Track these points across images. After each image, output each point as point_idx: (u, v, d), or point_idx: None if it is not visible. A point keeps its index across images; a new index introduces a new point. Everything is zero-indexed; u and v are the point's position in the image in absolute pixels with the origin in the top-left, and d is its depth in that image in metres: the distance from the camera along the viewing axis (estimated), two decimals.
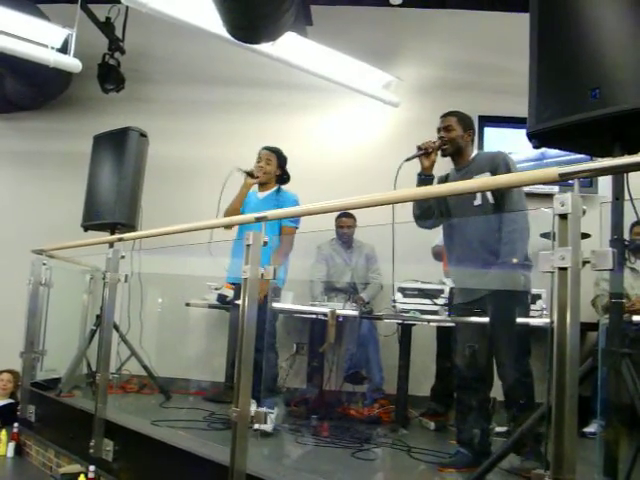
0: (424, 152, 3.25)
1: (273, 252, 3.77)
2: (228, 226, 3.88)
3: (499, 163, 3.13)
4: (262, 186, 4.28)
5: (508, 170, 3.08)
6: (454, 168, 3.37)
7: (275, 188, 4.26)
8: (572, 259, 1.59)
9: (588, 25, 2.08)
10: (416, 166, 3.28)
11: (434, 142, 3.27)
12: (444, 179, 3.39)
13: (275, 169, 4.26)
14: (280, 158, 4.30)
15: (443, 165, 3.42)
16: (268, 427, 3.40)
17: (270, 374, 3.92)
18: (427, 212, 3.33)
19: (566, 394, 1.57)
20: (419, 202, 3.30)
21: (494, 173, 3.07)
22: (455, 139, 3.26)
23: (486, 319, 3.16)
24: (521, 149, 5.15)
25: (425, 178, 3.26)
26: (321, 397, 4.67)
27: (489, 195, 3.10)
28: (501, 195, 3.09)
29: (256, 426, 3.08)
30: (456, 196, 3.22)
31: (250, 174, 4.16)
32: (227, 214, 4.14)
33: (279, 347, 5.09)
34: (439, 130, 3.32)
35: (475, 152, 3.35)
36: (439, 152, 3.29)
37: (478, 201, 3.15)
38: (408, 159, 3.22)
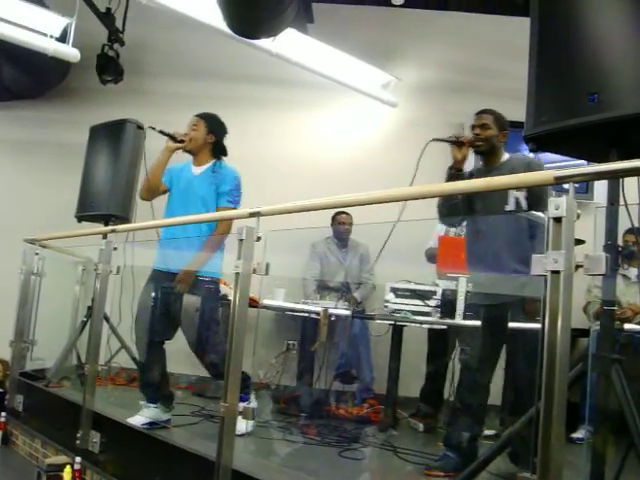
0: (456, 140, 3.13)
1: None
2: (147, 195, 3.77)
3: (535, 170, 3.04)
4: (196, 159, 3.76)
5: None
6: (482, 167, 3.26)
7: (211, 163, 3.73)
8: (565, 263, 1.58)
9: (588, 30, 2.07)
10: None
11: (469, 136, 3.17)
12: (468, 177, 3.19)
13: (203, 136, 3.70)
14: (211, 124, 3.74)
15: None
16: None
17: None
18: (453, 210, 3.21)
19: (555, 399, 1.57)
20: (445, 199, 3.16)
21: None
22: (490, 138, 3.15)
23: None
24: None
25: (456, 172, 3.12)
26: (310, 396, 4.66)
27: (523, 201, 3.02)
28: (536, 202, 2.98)
29: None
30: (484, 198, 3.16)
31: (171, 136, 3.69)
32: (146, 181, 3.76)
33: (271, 344, 5.09)
34: (473, 127, 3.19)
35: (507, 155, 3.23)
36: (472, 148, 3.17)
37: (511, 206, 3.04)
38: (436, 139, 3.07)
